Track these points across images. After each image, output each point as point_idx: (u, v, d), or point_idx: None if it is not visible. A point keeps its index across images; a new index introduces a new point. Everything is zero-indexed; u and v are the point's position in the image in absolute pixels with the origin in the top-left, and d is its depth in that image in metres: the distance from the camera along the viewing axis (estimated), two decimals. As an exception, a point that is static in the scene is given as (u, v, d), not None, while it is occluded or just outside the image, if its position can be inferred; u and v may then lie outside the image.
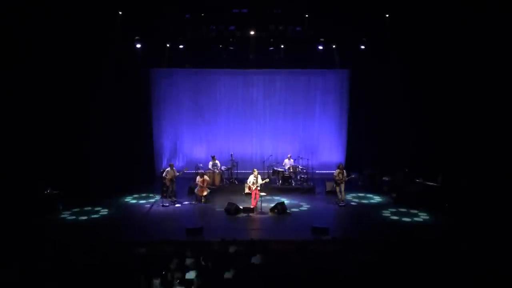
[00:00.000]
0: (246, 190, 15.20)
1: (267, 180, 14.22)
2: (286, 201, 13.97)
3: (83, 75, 14.98)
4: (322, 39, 16.23)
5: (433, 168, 14.62)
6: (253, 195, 13.62)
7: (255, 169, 14.10)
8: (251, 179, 13.85)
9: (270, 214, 13.16)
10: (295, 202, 14.49)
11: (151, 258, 8.61)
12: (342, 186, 14.10)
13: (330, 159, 18.50)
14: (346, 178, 14.16)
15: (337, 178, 14.13)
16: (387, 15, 14.70)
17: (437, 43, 14.69)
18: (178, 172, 14.63)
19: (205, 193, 14.40)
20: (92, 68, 15.08)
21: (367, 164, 17.11)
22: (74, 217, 12.80)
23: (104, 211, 13.33)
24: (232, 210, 13.03)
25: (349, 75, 18.44)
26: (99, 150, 15.81)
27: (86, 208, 13.48)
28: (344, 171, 14.32)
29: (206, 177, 14.65)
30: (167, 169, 14.62)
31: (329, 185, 15.65)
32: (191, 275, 7.48)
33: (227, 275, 7.60)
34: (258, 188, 13.58)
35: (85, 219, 12.60)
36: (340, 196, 14.16)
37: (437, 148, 15.27)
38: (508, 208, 12.17)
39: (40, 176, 13.60)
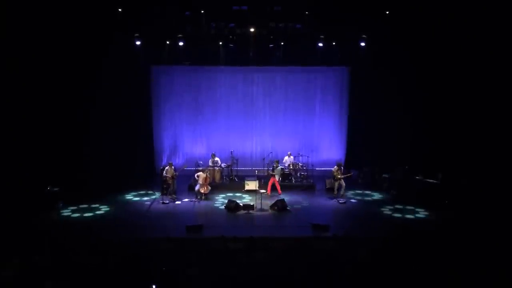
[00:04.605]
0: (246, 187, 15.27)
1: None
2: (286, 198, 13.98)
3: (83, 72, 14.98)
4: (322, 36, 16.21)
5: (432, 165, 14.63)
6: (277, 185, 15.00)
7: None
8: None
9: (270, 211, 13.18)
10: (295, 199, 14.51)
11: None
12: (337, 183, 14.29)
13: (330, 156, 18.50)
14: (342, 176, 14.26)
15: (334, 174, 14.37)
16: (387, 12, 14.67)
17: (438, 41, 14.68)
18: (176, 171, 14.62)
19: (206, 190, 14.42)
20: (92, 65, 15.07)
21: (367, 161, 17.10)
22: (74, 214, 12.81)
23: (104, 209, 13.34)
24: (232, 207, 13.05)
25: (349, 72, 18.40)
26: (99, 148, 15.81)
27: (86, 206, 13.48)
28: (342, 168, 14.55)
29: (207, 174, 14.68)
30: (166, 167, 14.62)
31: (329, 182, 15.67)
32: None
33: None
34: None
35: (85, 217, 12.61)
36: (335, 192, 14.34)
37: (437, 145, 15.29)
38: (508, 205, 12.19)
39: (41, 174, 13.61)
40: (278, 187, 15.09)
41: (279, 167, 15.40)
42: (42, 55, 13.69)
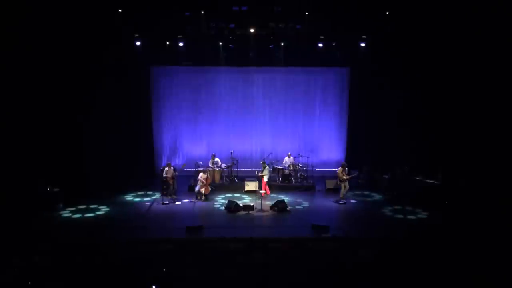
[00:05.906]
0: (246, 188, 15.28)
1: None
2: (286, 198, 13.98)
3: (83, 72, 14.98)
4: (322, 37, 16.21)
5: (432, 166, 14.63)
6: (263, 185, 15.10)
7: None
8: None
9: (270, 212, 13.18)
10: (295, 199, 14.51)
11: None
12: (343, 184, 14.21)
13: (330, 157, 18.53)
14: (348, 177, 14.23)
15: (340, 176, 14.29)
16: (387, 13, 14.68)
17: (438, 41, 14.67)
18: (175, 171, 14.61)
19: (207, 191, 14.43)
20: (92, 65, 15.07)
21: (366, 162, 17.09)
22: (74, 215, 12.80)
23: (104, 209, 13.34)
24: (232, 208, 13.05)
25: (349, 73, 18.41)
26: (99, 148, 15.80)
27: (86, 206, 13.48)
28: (347, 169, 14.49)
29: (208, 174, 14.69)
30: (166, 167, 14.63)
31: (329, 183, 15.67)
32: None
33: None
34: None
35: (85, 217, 12.59)
36: (342, 195, 14.27)
37: (437, 146, 15.29)
38: (508, 205, 12.19)
39: (40, 174, 13.61)
40: (264, 188, 15.06)
41: (267, 167, 15.32)
42: (42, 55, 13.68)
